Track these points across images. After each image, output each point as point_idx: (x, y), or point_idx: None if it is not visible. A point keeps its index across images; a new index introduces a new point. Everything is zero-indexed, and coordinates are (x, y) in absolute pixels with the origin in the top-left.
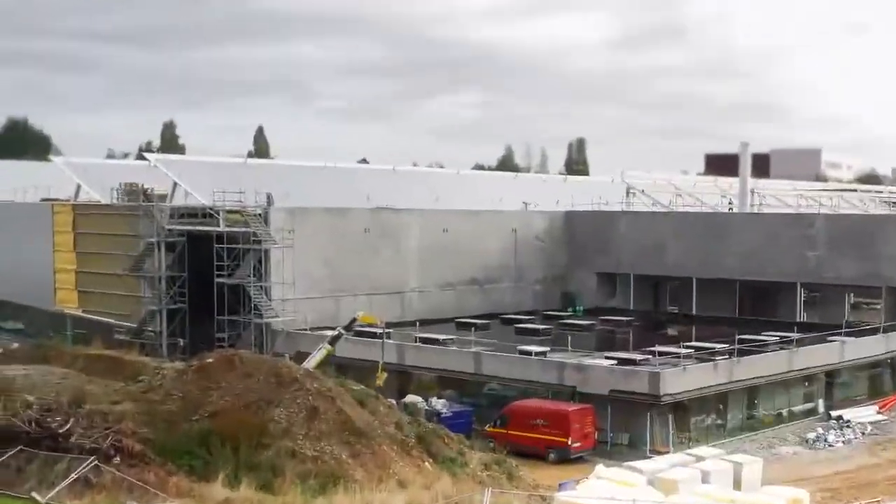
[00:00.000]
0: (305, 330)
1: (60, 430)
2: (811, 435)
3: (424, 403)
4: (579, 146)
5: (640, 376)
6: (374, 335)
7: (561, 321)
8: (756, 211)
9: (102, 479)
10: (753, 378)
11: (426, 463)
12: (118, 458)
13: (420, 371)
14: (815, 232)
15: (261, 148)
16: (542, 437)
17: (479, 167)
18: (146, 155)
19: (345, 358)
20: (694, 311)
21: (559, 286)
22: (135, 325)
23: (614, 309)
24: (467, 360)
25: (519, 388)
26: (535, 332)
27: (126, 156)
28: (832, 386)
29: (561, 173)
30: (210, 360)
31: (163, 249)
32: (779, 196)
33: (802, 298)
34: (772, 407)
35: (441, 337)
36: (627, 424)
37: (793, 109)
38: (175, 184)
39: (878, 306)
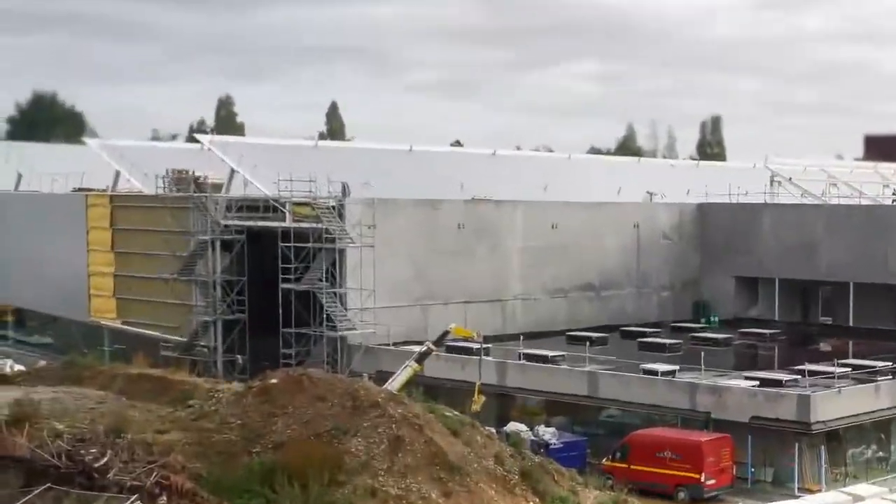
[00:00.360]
0: (388, 345)
1: (96, 465)
2: None
3: (529, 432)
4: (714, 126)
5: (787, 400)
6: (469, 351)
7: (692, 334)
8: None
9: None
10: None
11: (532, 503)
12: (164, 498)
13: (524, 394)
14: None
15: (334, 128)
16: (671, 472)
17: (595, 151)
18: (198, 136)
19: (435, 379)
20: (851, 323)
21: (690, 293)
22: (184, 340)
23: (756, 320)
24: (581, 380)
25: (642, 414)
26: (661, 347)
27: (174, 137)
28: None
29: (692, 158)
30: (274, 380)
31: (217, 249)
32: None
33: None
34: None
35: (549, 353)
36: (772, 457)
37: None
38: (232, 171)
39: None
